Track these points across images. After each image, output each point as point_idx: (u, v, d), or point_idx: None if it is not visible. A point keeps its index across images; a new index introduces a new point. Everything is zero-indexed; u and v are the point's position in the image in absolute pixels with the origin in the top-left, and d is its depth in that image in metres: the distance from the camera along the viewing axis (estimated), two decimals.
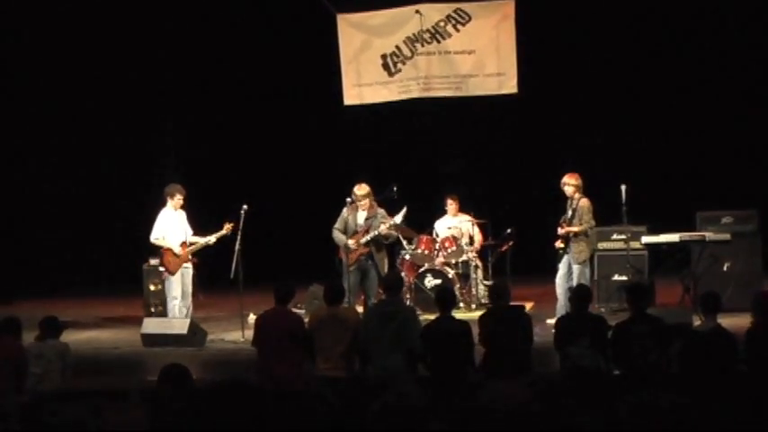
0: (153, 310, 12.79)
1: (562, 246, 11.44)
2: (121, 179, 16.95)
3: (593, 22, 15.06)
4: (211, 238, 11.73)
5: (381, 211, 11.47)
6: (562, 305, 11.02)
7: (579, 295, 8.38)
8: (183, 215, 11.86)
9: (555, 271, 11.51)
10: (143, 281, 13.04)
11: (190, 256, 11.70)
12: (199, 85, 16.85)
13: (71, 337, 9.77)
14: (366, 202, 11.36)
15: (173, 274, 11.61)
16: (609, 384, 7.60)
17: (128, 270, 14.12)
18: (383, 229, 11.23)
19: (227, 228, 11.61)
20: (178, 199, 11.72)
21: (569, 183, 11.44)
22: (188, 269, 11.73)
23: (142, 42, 16.30)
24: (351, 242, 11.26)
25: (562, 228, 11.40)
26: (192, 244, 11.75)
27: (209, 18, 16.38)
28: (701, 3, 14.79)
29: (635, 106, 15.37)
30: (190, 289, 11.73)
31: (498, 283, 9.96)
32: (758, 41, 14.70)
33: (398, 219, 11.47)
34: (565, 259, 11.44)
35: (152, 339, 11.21)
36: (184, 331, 11.14)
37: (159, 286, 12.71)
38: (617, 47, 15.22)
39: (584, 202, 11.40)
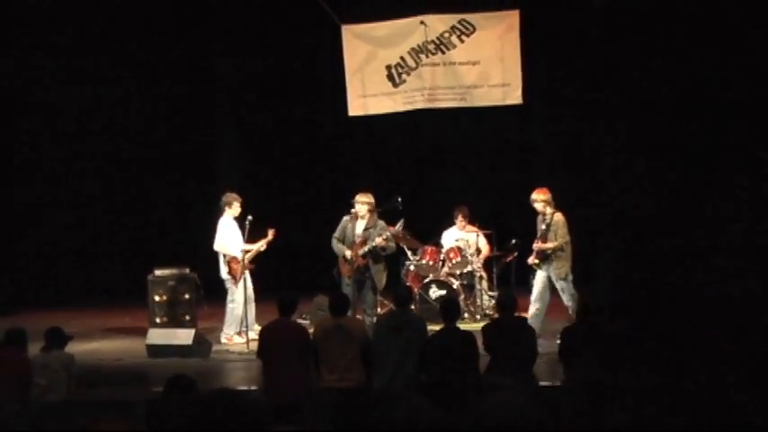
0: (158, 320, 12.77)
1: (536, 262, 11.24)
2: (126, 190, 16.96)
3: (596, 32, 15.04)
4: (263, 244, 11.88)
5: (381, 223, 11.43)
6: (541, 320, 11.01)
7: (583, 308, 8.38)
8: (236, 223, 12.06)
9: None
10: (148, 291, 13.02)
11: (248, 263, 11.92)
12: (202, 95, 16.87)
13: (76, 347, 9.75)
14: (366, 210, 11.33)
15: (237, 282, 11.86)
16: (613, 397, 7.60)
17: (133, 281, 14.12)
18: (379, 240, 11.16)
19: (271, 233, 11.83)
20: (236, 207, 11.97)
21: (538, 199, 11.23)
22: (246, 275, 11.95)
23: (145, 55, 16.34)
24: (348, 253, 11.26)
25: (537, 244, 11.22)
26: (247, 251, 11.94)
27: (212, 29, 16.42)
28: (704, 15, 14.75)
29: (638, 116, 15.33)
30: (253, 293, 11.99)
31: (505, 294, 9.96)
32: (761, 56, 14.66)
33: (395, 230, 11.46)
34: (540, 276, 11.23)
35: (157, 350, 11.21)
36: (189, 342, 11.14)
37: (164, 297, 12.73)
38: (622, 58, 15.19)
39: (559, 216, 11.19)
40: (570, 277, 11.16)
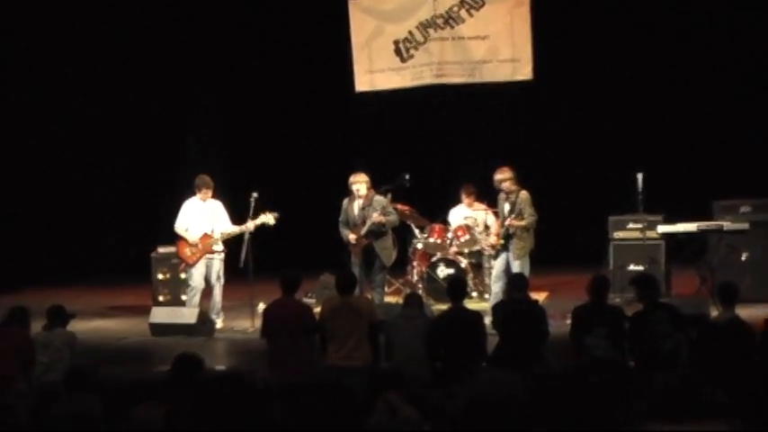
0: (161, 299, 12.69)
1: (501, 242, 10.94)
2: (130, 167, 16.87)
3: (609, 7, 14.87)
4: (235, 229, 11.62)
5: (378, 199, 11.22)
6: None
7: (597, 285, 8.23)
8: (215, 206, 11.77)
9: (570, 260, 11.33)
10: (151, 269, 12.93)
11: (215, 247, 11.57)
12: (209, 72, 16.74)
13: (78, 326, 9.67)
14: (365, 188, 11.14)
15: (189, 265, 11.59)
16: (625, 375, 7.51)
17: (136, 259, 14.04)
18: (375, 216, 11.00)
19: (264, 218, 11.46)
20: (204, 193, 11.66)
21: (504, 178, 10.90)
22: (213, 260, 11.60)
23: (152, 27, 16.21)
24: (352, 237, 11.14)
25: (503, 225, 10.90)
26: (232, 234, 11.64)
27: (220, 3, 16.29)
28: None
29: (652, 93, 15.19)
30: (214, 278, 11.60)
31: (516, 273, 9.87)
32: None
33: (382, 204, 11.21)
34: (502, 257, 10.94)
35: (160, 329, 11.14)
36: (193, 321, 11.07)
37: (168, 275, 12.64)
38: (634, 35, 15.03)
39: (524, 194, 10.89)
40: (528, 258, 10.81)
